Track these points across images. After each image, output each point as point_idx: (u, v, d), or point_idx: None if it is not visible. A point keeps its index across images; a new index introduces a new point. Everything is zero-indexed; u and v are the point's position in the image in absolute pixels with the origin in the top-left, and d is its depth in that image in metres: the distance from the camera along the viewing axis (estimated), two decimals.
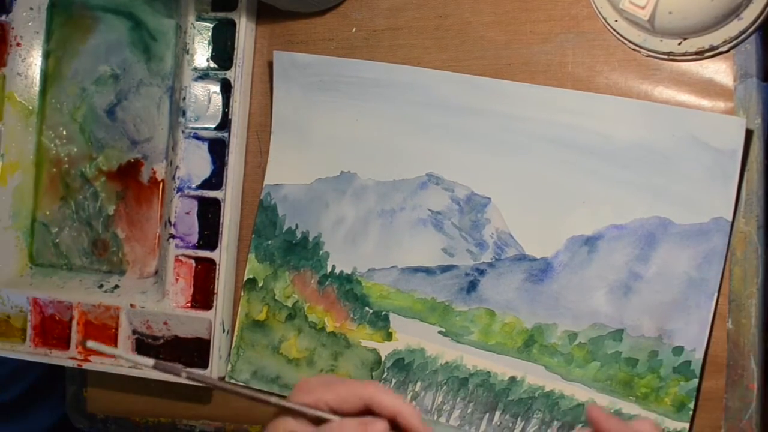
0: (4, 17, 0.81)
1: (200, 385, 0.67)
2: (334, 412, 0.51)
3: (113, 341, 0.75)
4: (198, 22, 0.75)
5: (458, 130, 0.69)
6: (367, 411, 0.51)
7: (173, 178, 0.75)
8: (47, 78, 0.82)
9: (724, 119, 0.62)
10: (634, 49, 0.66)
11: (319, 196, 0.73)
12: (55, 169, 0.81)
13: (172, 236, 0.74)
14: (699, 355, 0.62)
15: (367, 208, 0.71)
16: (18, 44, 0.80)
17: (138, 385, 0.77)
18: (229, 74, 0.74)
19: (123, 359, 0.73)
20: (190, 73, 0.75)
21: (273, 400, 0.52)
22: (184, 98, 0.75)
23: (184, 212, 0.75)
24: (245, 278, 0.75)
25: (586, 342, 0.65)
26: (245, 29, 0.74)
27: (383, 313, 0.71)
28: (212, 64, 0.75)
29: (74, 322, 0.76)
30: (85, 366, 0.76)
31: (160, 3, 0.78)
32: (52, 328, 0.78)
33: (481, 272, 0.68)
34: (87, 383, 0.82)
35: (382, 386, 0.53)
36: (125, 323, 0.75)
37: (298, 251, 0.73)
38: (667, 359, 0.63)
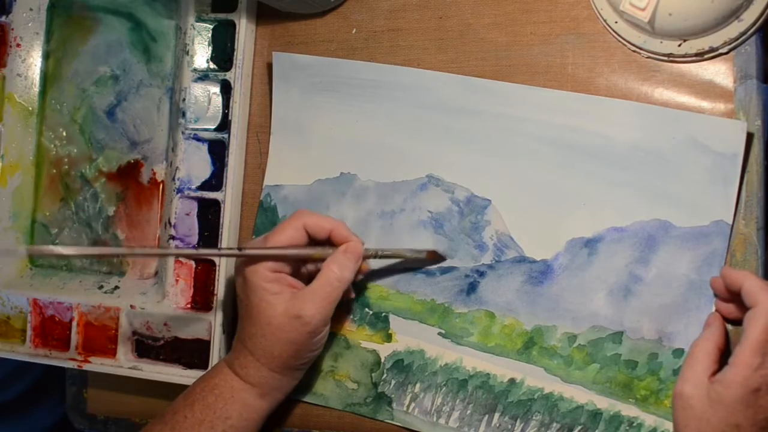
0: (3, 18, 0.81)
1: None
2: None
3: (113, 342, 0.75)
4: (198, 23, 0.75)
5: (458, 132, 0.69)
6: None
7: (173, 179, 0.75)
8: (47, 79, 0.82)
9: (725, 122, 0.62)
10: (634, 51, 0.66)
11: (319, 197, 0.73)
12: (55, 170, 0.81)
13: (172, 237, 0.74)
14: None
15: (367, 209, 0.71)
16: (18, 45, 0.80)
17: (138, 386, 0.77)
18: (229, 75, 0.74)
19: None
20: (190, 74, 0.75)
21: (242, 252, 0.64)
22: (184, 99, 0.74)
23: (184, 213, 0.75)
24: None
25: (586, 344, 0.65)
26: (245, 30, 0.74)
27: (383, 314, 0.71)
28: (212, 66, 0.75)
29: (74, 323, 0.76)
30: (85, 367, 0.76)
31: (160, 4, 0.78)
32: (52, 329, 0.78)
33: (481, 274, 0.68)
34: (87, 384, 0.82)
35: (308, 211, 0.66)
36: (125, 324, 0.75)
37: None
38: (666, 361, 0.63)
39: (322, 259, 0.65)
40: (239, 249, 0.64)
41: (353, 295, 0.70)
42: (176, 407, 0.66)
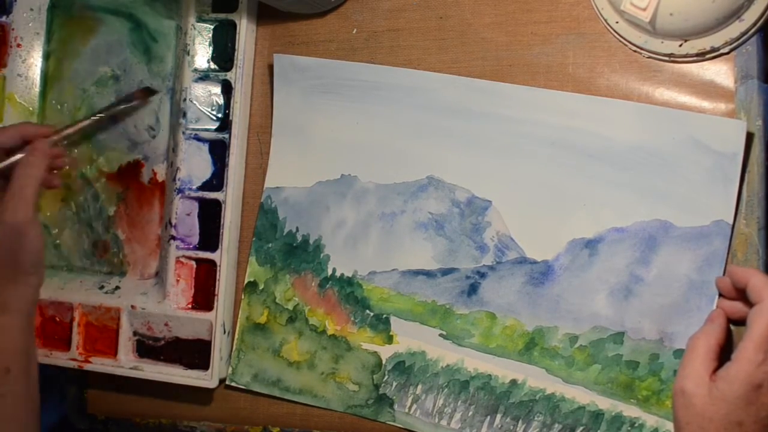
0: (4, 18, 0.81)
1: None
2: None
3: (114, 342, 0.75)
4: (198, 24, 0.75)
5: (459, 133, 0.69)
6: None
7: (174, 179, 0.75)
8: (47, 79, 0.82)
9: (725, 122, 0.62)
10: (635, 51, 0.66)
11: (320, 199, 0.73)
12: (55, 170, 0.81)
13: (173, 237, 0.74)
14: None
15: (367, 211, 0.71)
16: (18, 45, 0.80)
17: (139, 386, 0.77)
18: (230, 75, 0.74)
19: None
20: (191, 75, 0.75)
21: None
22: (185, 99, 0.74)
23: (184, 213, 0.75)
24: (246, 281, 0.75)
25: (587, 345, 0.65)
26: (246, 30, 0.74)
27: (384, 316, 0.71)
28: (213, 66, 0.75)
29: (75, 324, 0.76)
30: (86, 367, 0.76)
31: (161, 4, 0.78)
32: (53, 329, 0.78)
33: (482, 275, 0.68)
34: (87, 384, 0.82)
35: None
36: (126, 324, 0.75)
37: (299, 254, 0.73)
38: (668, 362, 0.63)
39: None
40: None
41: (58, 183, 0.75)
42: None
